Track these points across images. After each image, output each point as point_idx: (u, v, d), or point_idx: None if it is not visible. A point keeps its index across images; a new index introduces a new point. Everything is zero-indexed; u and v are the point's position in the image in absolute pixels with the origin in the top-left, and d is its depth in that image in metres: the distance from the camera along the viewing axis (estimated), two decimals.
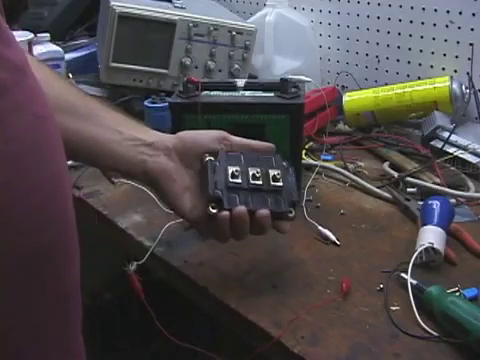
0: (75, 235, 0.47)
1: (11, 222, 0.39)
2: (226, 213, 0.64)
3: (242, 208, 0.64)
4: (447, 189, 0.89)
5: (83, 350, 0.50)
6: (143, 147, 0.68)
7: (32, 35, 1.25)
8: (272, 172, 0.68)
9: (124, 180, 0.94)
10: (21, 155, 0.40)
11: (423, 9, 1.17)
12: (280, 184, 0.67)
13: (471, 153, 0.98)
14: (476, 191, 0.91)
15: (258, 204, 0.65)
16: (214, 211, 0.64)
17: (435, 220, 0.74)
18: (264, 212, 0.64)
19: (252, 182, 0.66)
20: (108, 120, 0.68)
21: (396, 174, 0.96)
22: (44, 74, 0.66)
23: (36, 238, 0.41)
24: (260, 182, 0.67)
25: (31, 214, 0.41)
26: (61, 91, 0.67)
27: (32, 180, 0.41)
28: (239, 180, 0.66)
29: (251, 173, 0.67)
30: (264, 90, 0.88)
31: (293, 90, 0.86)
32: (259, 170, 0.67)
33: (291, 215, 0.67)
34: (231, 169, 0.66)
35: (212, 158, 0.67)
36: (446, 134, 1.01)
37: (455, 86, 1.08)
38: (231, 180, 0.66)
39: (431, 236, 0.72)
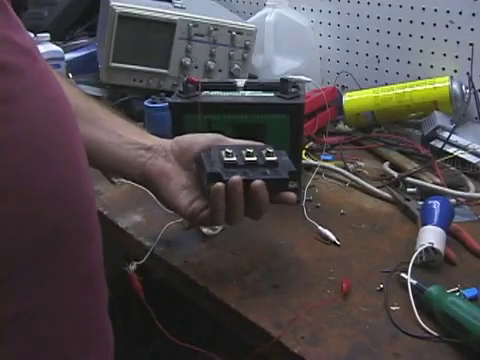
0: (94, 215, 0.47)
1: (23, 203, 0.40)
2: (221, 184, 0.64)
3: (237, 177, 0.64)
4: (447, 189, 0.89)
5: (110, 328, 0.51)
6: (142, 150, 0.70)
7: (32, 35, 1.24)
8: (264, 151, 0.69)
9: (124, 180, 0.94)
10: (32, 136, 0.40)
11: (423, 9, 1.17)
12: (274, 158, 0.68)
13: (471, 153, 0.98)
14: (476, 191, 0.91)
15: (256, 175, 0.66)
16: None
17: (435, 220, 0.74)
18: (258, 182, 0.64)
19: (247, 159, 0.67)
20: (109, 123, 0.70)
21: (396, 174, 0.96)
22: None
23: (50, 219, 0.41)
24: (254, 158, 0.67)
25: (44, 195, 0.41)
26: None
27: (44, 161, 0.41)
28: (234, 158, 0.67)
29: (244, 152, 0.68)
30: (264, 90, 0.88)
31: (293, 90, 0.86)
32: (252, 150, 0.68)
33: (292, 185, 0.67)
34: (225, 151, 0.67)
35: (205, 153, 0.68)
36: (446, 134, 1.01)
37: (455, 86, 1.08)
38: (226, 158, 0.66)
39: (431, 236, 0.72)
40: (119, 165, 0.70)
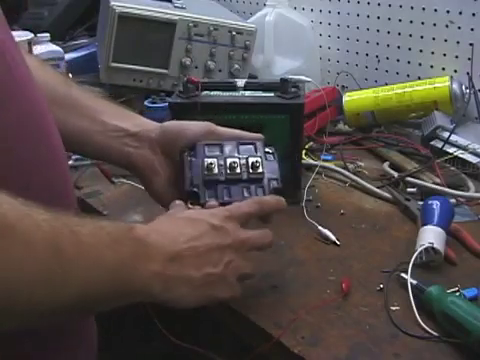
0: None
1: None
2: (199, 207, 0.63)
3: (212, 203, 0.63)
4: (447, 189, 0.89)
5: None
6: (127, 138, 0.69)
7: (32, 35, 1.25)
8: (251, 160, 0.66)
9: (124, 180, 0.94)
10: None
11: (423, 9, 1.17)
12: (260, 171, 0.66)
13: (471, 153, 0.98)
14: (476, 191, 0.91)
15: (236, 195, 0.64)
16: (191, 207, 0.64)
17: (435, 220, 0.74)
18: None
19: (229, 173, 0.65)
20: (91, 110, 0.69)
21: (396, 174, 0.96)
22: (29, 63, 0.66)
23: None
24: (238, 171, 0.65)
25: None
26: (46, 80, 0.66)
27: None
28: (216, 171, 0.65)
29: (228, 163, 0.66)
30: (264, 90, 0.88)
31: (293, 90, 0.86)
32: (237, 160, 0.66)
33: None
34: (207, 162, 0.65)
35: (189, 152, 0.67)
36: (446, 134, 1.01)
37: (455, 86, 1.08)
38: (207, 174, 0.65)
39: (431, 236, 0.72)
40: (105, 154, 0.69)
